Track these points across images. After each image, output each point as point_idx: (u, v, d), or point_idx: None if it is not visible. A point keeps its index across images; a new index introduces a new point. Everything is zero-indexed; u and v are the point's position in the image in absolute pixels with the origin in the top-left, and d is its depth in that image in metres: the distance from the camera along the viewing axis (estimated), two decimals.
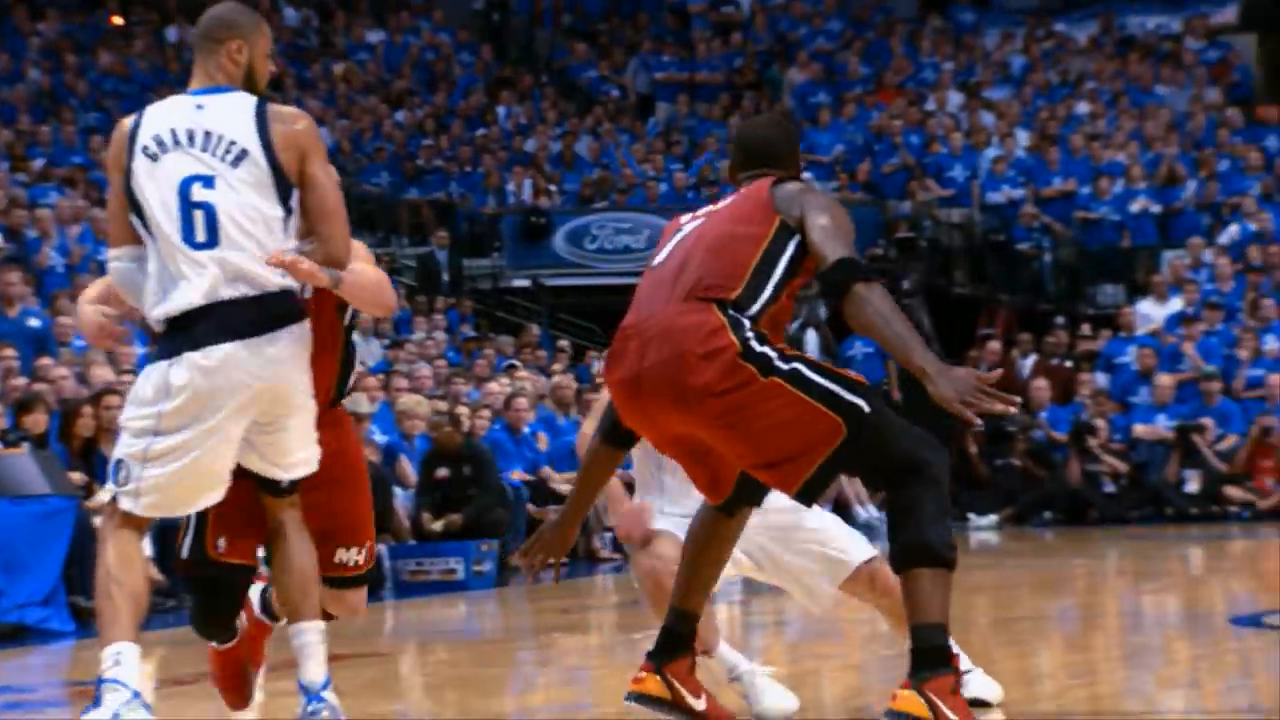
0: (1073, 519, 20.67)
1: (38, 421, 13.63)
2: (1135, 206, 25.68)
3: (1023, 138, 27.41)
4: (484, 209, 27.24)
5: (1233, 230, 24.86)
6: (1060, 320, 24.05)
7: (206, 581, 6.58)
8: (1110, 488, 21.08)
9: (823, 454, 5.59)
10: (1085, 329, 23.85)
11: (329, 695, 6.23)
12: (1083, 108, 28.18)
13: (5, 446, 13.21)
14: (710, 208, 6.07)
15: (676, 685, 5.99)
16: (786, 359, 5.62)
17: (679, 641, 6.06)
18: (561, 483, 17.74)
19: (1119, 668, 8.51)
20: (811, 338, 22.48)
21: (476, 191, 27.53)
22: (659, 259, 5.95)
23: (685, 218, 6.12)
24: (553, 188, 27.63)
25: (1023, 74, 29.63)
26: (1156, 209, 25.74)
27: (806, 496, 5.72)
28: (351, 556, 6.69)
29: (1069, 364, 22.86)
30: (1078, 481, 20.85)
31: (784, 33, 31.55)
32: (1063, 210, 26.17)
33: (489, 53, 31.77)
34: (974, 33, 31.23)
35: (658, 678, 5.99)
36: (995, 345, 23.22)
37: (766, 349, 5.61)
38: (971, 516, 20.24)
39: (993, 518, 20.54)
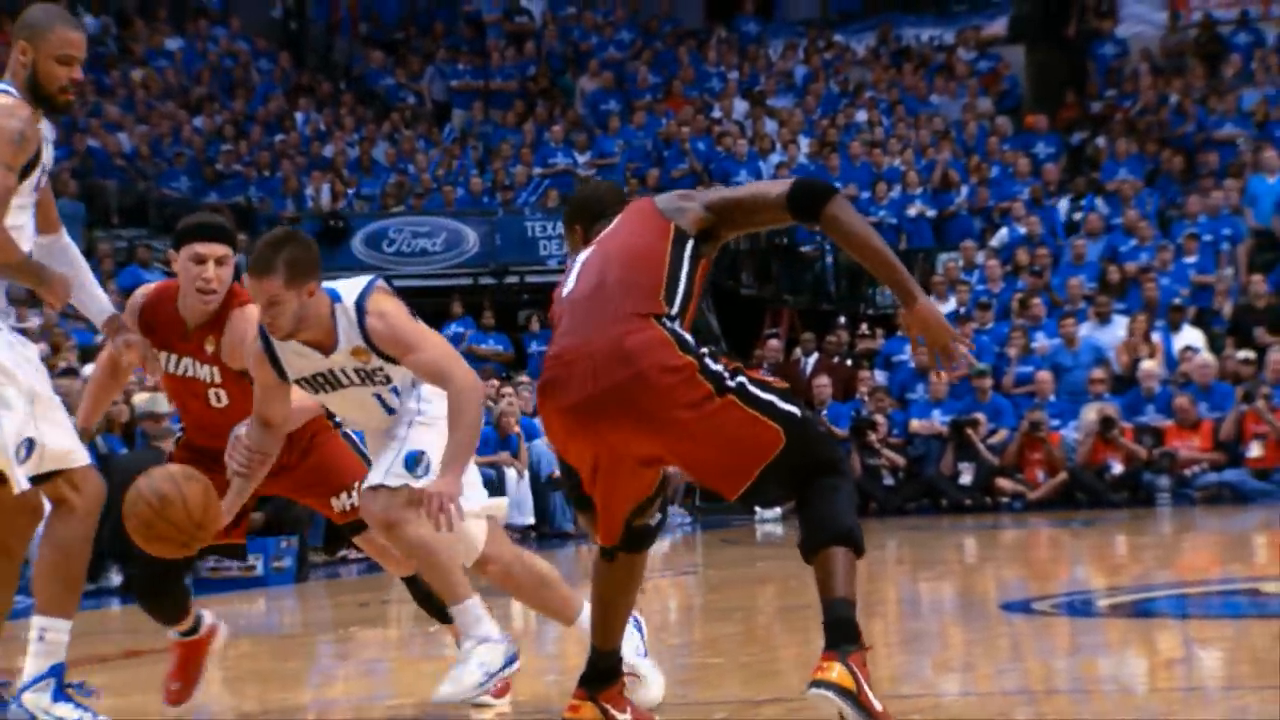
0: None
1: None
2: (912, 211, 25.97)
3: (805, 144, 27.62)
4: (283, 213, 26.96)
5: (1003, 234, 25.25)
6: (841, 320, 24.28)
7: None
8: (889, 480, 21.33)
9: (764, 461, 5.66)
10: (864, 329, 24.10)
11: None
12: (862, 116, 28.46)
13: None
14: (599, 241, 6.04)
15: (611, 710, 5.96)
16: (731, 374, 5.68)
17: (610, 672, 6.03)
18: None
19: (897, 652, 8.59)
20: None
21: (276, 196, 27.26)
22: (569, 287, 5.88)
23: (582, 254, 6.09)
24: (350, 192, 27.45)
25: (805, 83, 29.88)
26: (932, 213, 26.04)
27: (747, 501, 5.84)
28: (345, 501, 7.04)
29: (849, 362, 23.09)
30: (858, 475, 21.04)
31: (576, 42, 31.60)
32: None
33: (287, 60, 31.48)
34: (758, 43, 31.46)
35: (591, 704, 5.94)
36: (778, 344, 23.42)
37: (718, 366, 5.66)
38: (757, 509, 20.36)
39: (777, 510, 20.68)
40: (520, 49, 31.39)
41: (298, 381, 6.54)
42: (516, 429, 19.33)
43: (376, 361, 6.46)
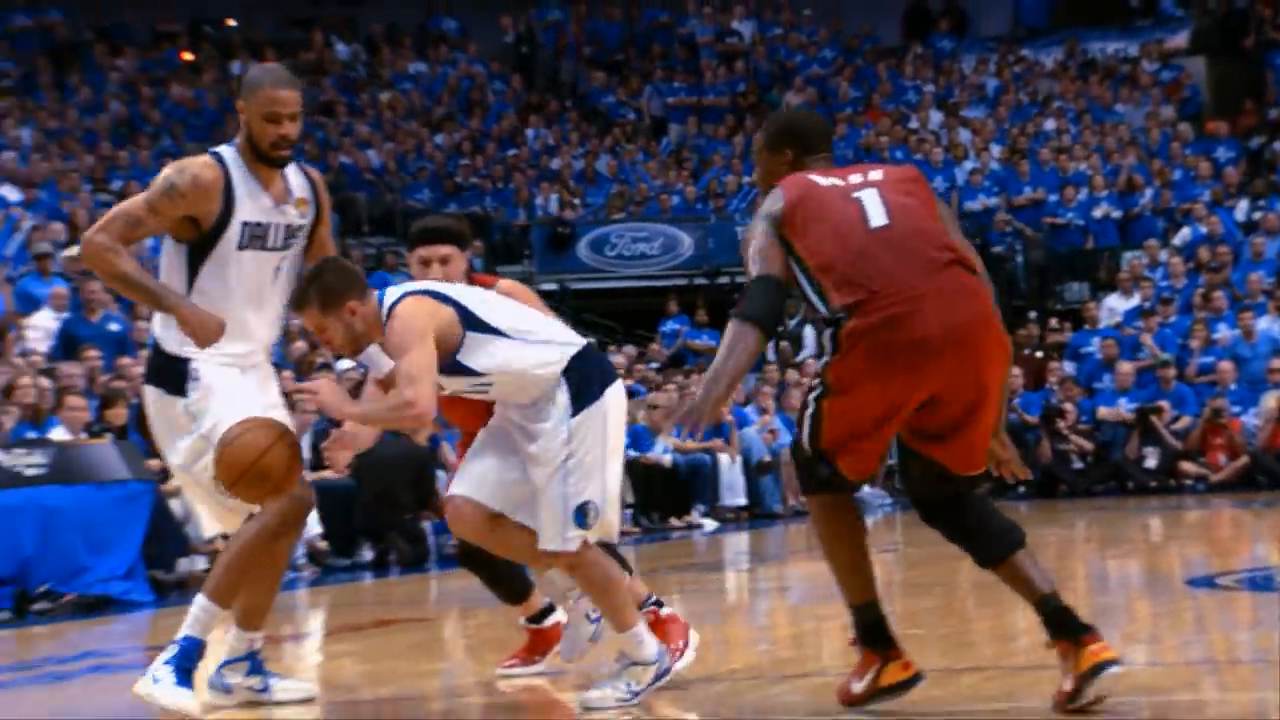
0: (1044, 493, 20.62)
1: (118, 415, 13.65)
2: (1098, 212, 25.61)
3: (996, 151, 27.34)
4: (515, 221, 27.24)
5: (1185, 233, 24.82)
6: (1032, 315, 24.02)
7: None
8: (1078, 465, 21.04)
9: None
10: (1054, 323, 23.82)
11: None
12: (1050, 124, 28.10)
13: (90, 437, 13.23)
14: (859, 172, 5.79)
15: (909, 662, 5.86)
16: None
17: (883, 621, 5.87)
18: None
19: None
20: (810, 332, 22.47)
21: (508, 205, 27.52)
22: (879, 222, 5.59)
23: (852, 177, 5.75)
24: (576, 201, 27.63)
25: (996, 95, 29.55)
26: (1117, 214, 25.66)
27: (967, 483, 5.74)
28: None
29: (1040, 354, 22.80)
30: (1048, 459, 20.80)
31: (782, 60, 31.49)
32: (1033, 216, 26.11)
33: (519, 82, 31.73)
34: (952, 58, 31.17)
35: (896, 661, 5.79)
36: None
37: None
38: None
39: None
40: (730, 67, 31.36)
41: None
42: (729, 417, 19.29)
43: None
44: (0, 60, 26.55)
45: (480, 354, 6.12)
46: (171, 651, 6.27)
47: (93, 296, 16.50)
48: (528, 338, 6.23)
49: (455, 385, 6.22)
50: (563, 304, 25.93)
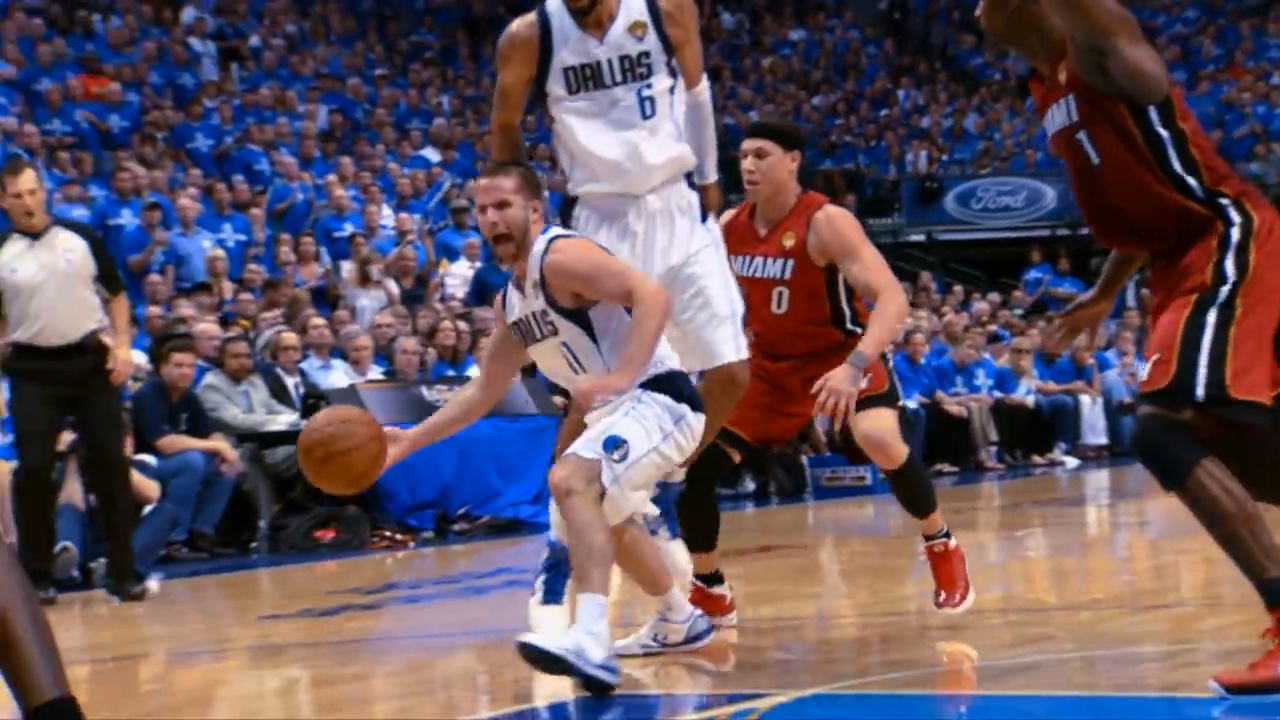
0: None
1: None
2: None
3: None
4: (886, 176, 27.07)
5: None
6: None
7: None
8: None
9: None
10: None
11: None
12: None
13: None
14: None
15: None
16: None
17: None
18: (952, 404, 17.59)
19: None
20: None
21: (880, 162, 27.37)
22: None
23: None
24: (944, 157, 27.32)
25: None
26: None
27: None
28: None
29: None
30: None
31: (1145, 21, 30.54)
32: None
33: (891, 45, 31.46)
34: None
35: None
36: None
37: None
38: None
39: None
40: None
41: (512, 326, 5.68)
42: (1090, 361, 19.05)
43: (543, 304, 5.47)
44: (422, 33, 27.36)
45: (611, 317, 5.48)
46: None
47: None
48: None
49: (547, 346, 5.56)
50: (930, 253, 25.73)
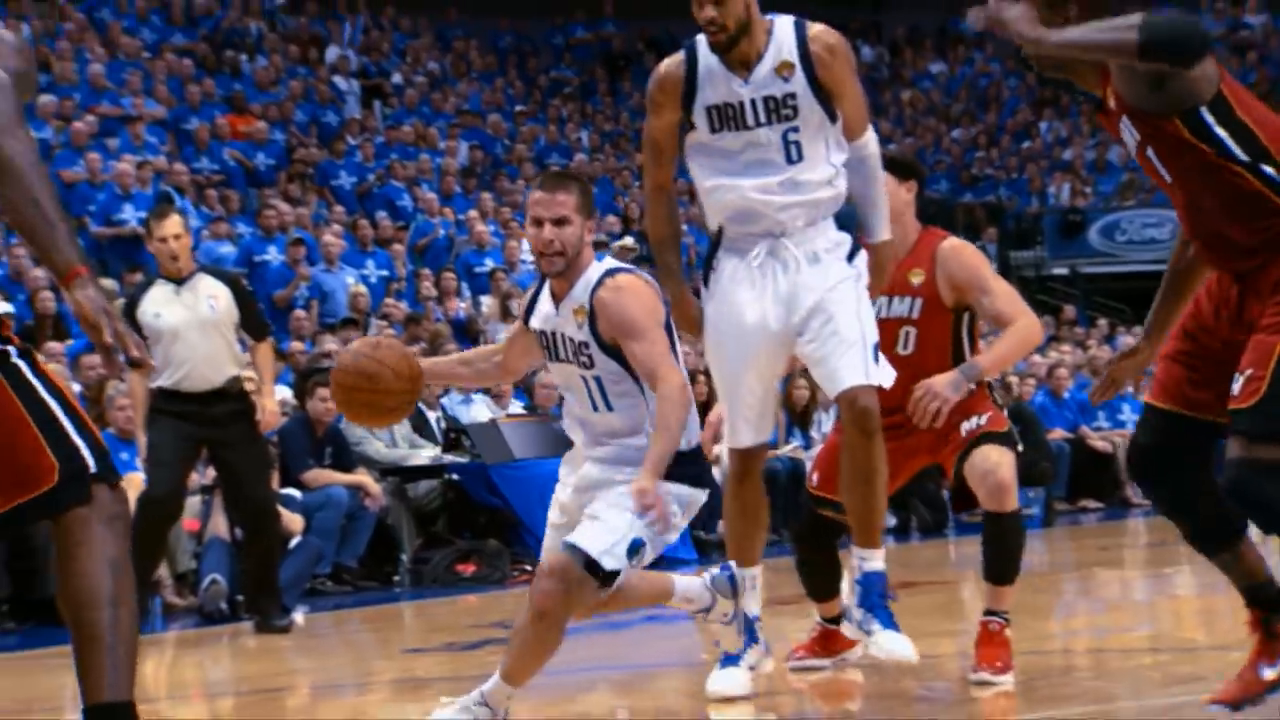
0: None
1: None
2: None
3: None
4: (1028, 209, 26.84)
5: None
6: None
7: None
8: None
9: None
10: None
11: None
12: None
13: None
14: None
15: None
16: None
17: None
18: (1096, 439, 17.36)
19: None
20: None
21: (1022, 194, 27.13)
22: None
23: None
24: (1088, 190, 27.04)
25: None
26: None
27: None
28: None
29: None
30: None
31: None
32: None
33: (1032, 77, 31.18)
34: None
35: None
36: None
37: None
38: None
39: None
40: (1243, 59, 30.11)
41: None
42: None
43: (585, 335, 5.26)
44: (562, 69, 27.57)
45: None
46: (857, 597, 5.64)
47: None
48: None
49: (573, 372, 5.35)
50: (1074, 287, 25.46)
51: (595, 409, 5.28)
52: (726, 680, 5.81)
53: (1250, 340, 4.51)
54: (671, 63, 5.73)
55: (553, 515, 5.43)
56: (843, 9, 32.32)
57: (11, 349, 3.79)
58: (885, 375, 5.62)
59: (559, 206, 5.21)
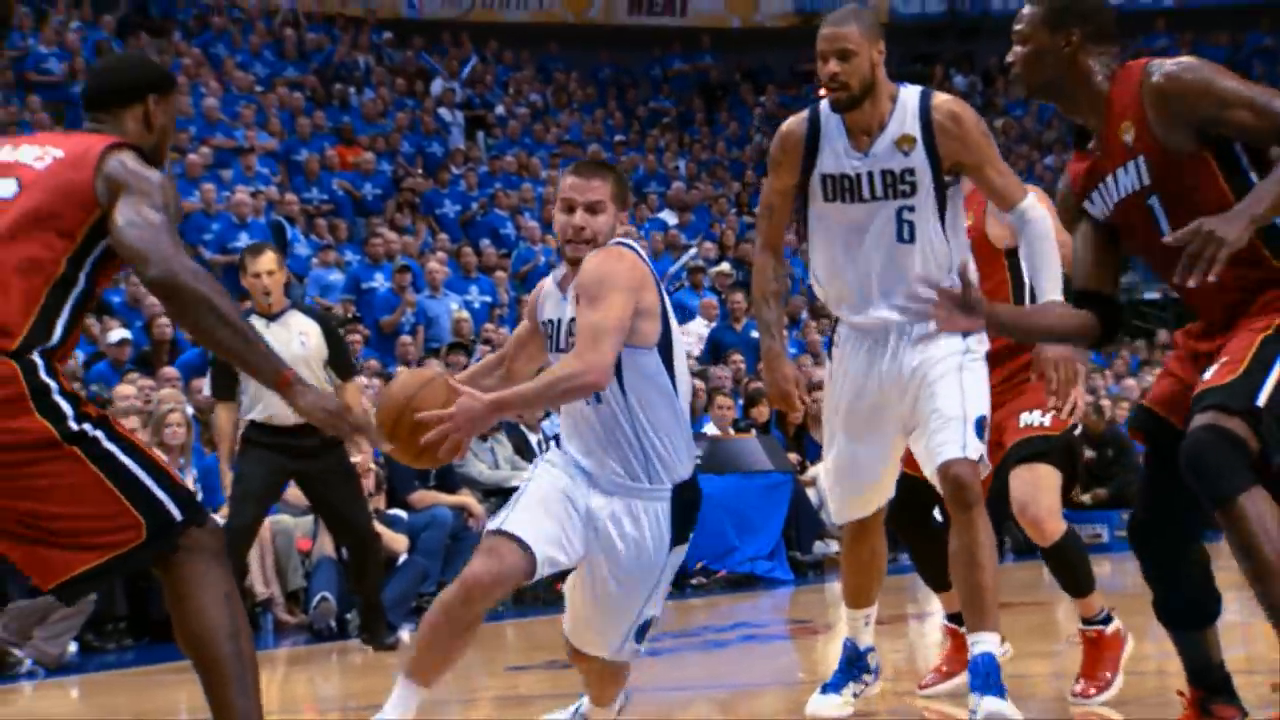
0: None
1: (761, 413, 14.01)
2: None
3: None
4: None
5: None
6: None
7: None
8: None
9: None
10: None
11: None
12: None
13: (737, 432, 13.62)
14: None
15: None
16: None
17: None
18: None
19: None
20: None
21: None
22: None
23: None
24: None
25: None
26: None
27: None
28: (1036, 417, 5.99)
29: None
30: None
31: None
32: None
33: None
34: None
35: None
36: None
37: None
38: None
39: None
40: None
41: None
42: None
43: (572, 312, 4.88)
44: (660, 100, 27.64)
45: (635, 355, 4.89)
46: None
47: (737, 306, 16.99)
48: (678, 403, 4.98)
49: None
50: (1165, 311, 25.19)
51: (587, 401, 4.86)
52: (825, 703, 5.81)
53: (1229, 337, 4.31)
54: (794, 121, 5.58)
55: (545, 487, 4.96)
56: (937, 40, 32.27)
57: (87, 425, 3.93)
58: (978, 450, 5.39)
59: (593, 192, 4.92)
